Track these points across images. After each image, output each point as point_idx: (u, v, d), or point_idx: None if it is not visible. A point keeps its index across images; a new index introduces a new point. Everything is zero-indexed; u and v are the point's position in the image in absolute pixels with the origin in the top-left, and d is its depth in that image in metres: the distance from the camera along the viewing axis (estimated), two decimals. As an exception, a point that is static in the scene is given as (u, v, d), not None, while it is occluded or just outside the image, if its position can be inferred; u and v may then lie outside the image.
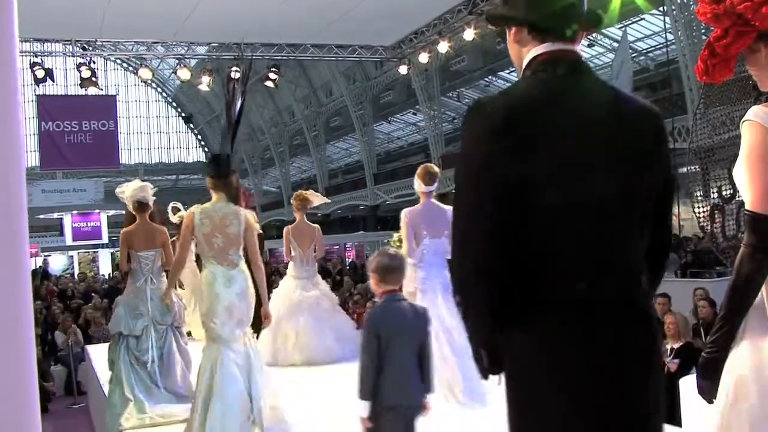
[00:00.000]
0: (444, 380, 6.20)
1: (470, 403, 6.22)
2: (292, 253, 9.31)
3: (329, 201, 9.80)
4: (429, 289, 6.51)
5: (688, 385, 2.78)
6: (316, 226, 9.68)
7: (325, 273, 17.50)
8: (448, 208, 5.89)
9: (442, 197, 6.65)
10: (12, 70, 1.50)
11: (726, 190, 6.86)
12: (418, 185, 6.81)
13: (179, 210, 9.96)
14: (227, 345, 5.34)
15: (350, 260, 30.63)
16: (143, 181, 7.33)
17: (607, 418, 2.08)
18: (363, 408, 3.94)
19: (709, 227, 6.65)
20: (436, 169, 6.90)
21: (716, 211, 6.63)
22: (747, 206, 2.43)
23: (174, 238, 7.38)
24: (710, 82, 2.65)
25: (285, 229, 9.46)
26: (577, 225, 2.07)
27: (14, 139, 1.49)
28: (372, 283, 4.28)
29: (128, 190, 7.10)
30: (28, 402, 1.44)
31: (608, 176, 2.09)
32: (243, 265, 5.54)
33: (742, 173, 2.44)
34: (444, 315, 6.39)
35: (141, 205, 7.04)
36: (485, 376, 2.24)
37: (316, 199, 9.69)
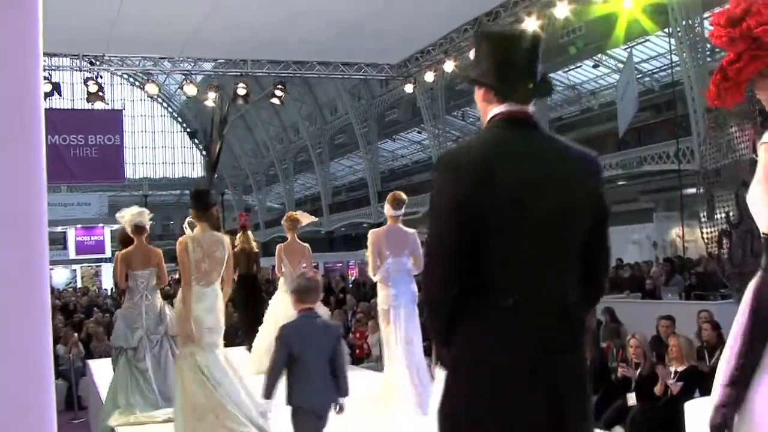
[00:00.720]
0: (408, 392, 6.98)
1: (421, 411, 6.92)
2: (283, 270, 9.87)
3: (317, 219, 10.45)
4: (400, 304, 7.25)
5: (692, 408, 2.76)
6: (306, 245, 10.21)
7: (328, 291, 17.49)
8: (411, 231, 7.55)
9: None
10: (36, 92, 1.53)
11: (732, 214, 6.84)
12: (387, 209, 7.74)
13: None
14: (203, 351, 6.07)
15: (353, 278, 30.57)
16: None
17: (529, 399, 2.54)
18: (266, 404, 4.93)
19: (716, 252, 6.67)
20: (404, 196, 7.76)
21: (724, 237, 6.63)
22: (764, 229, 2.38)
23: None
24: (721, 106, 2.66)
25: (277, 248, 10.02)
26: (513, 251, 2.56)
27: (37, 153, 1.52)
28: (292, 301, 5.13)
29: (127, 215, 7.81)
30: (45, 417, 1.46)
31: (544, 213, 2.56)
32: (217, 284, 6.31)
33: (759, 195, 2.38)
34: (408, 329, 7.23)
35: (138, 228, 7.71)
36: (443, 365, 2.70)
37: (305, 219, 10.25)
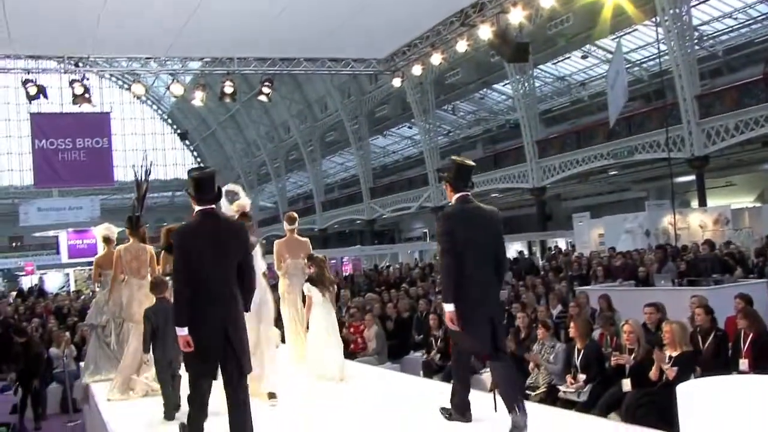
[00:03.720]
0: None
1: None
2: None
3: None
4: (292, 291, 10.08)
5: (685, 391, 2.71)
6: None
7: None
8: (305, 240, 10.41)
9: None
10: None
11: None
12: (285, 225, 10.38)
13: (238, 195, 9.35)
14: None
15: (347, 274, 30.50)
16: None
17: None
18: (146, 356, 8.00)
19: None
20: (295, 215, 10.49)
21: None
22: None
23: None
24: None
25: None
26: (200, 272, 5.58)
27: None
28: (152, 291, 7.78)
29: (99, 230, 10.62)
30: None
31: (215, 256, 5.62)
32: (148, 277, 8.93)
33: None
34: (300, 309, 9.89)
35: (106, 239, 10.27)
36: None
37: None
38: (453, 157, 6.47)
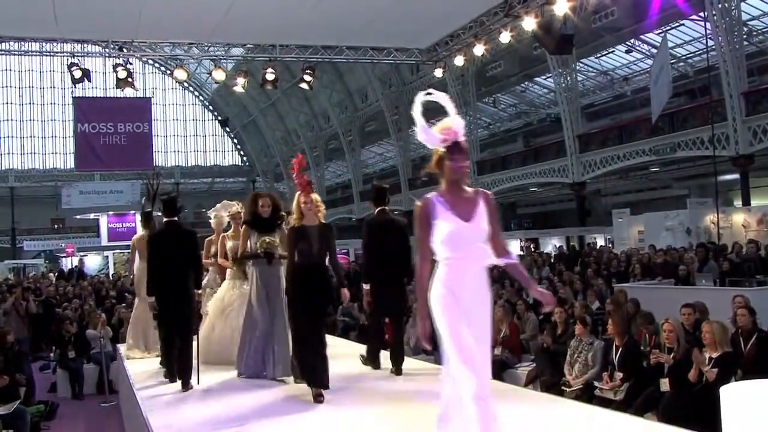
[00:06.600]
0: None
1: None
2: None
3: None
4: None
5: (729, 392, 2.63)
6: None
7: (357, 276, 17.34)
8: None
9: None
10: None
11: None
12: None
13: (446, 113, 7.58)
14: (143, 300, 10.19)
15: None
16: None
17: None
18: None
19: None
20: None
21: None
22: None
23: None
24: None
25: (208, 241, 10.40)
26: (165, 263, 8.17)
27: None
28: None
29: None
30: None
31: (175, 253, 8.11)
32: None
33: None
34: None
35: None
36: None
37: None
38: (374, 182, 9.51)
